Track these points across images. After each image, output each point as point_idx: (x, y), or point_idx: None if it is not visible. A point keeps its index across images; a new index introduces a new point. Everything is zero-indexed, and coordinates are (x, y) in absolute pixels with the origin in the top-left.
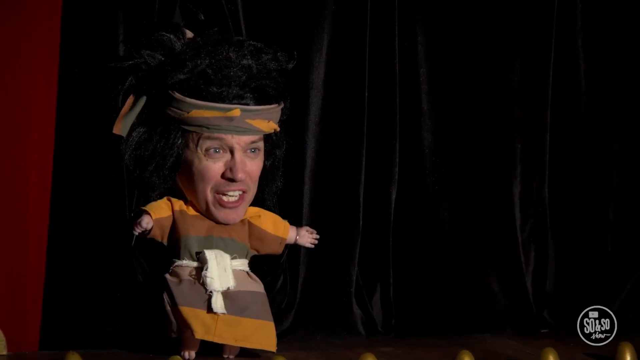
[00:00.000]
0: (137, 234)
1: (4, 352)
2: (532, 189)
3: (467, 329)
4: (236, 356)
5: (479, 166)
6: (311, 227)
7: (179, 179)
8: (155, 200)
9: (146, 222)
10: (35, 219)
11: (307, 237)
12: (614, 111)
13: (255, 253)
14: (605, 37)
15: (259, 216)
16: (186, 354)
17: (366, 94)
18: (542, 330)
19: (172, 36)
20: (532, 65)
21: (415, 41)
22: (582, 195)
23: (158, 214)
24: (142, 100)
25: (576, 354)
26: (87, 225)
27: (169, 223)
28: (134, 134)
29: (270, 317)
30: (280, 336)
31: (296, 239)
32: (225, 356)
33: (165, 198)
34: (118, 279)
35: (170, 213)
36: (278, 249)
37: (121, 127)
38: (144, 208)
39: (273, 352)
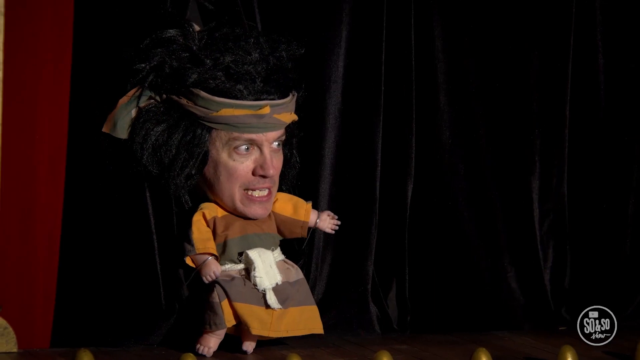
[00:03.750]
0: (209, 281)
1: (15, 349)
2: (551, 185)
3: (484, 326)
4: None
5: (497, 161)
6: None
7: (203, 178)
8: (188, 204)
9: (218, 269)
10: (47, 216)
11: (327, 222)
12: (634, 106)
13: (281, 237)
14: (625, 31)
15: (277, 200)
16: (205, 349)
17: (382, 88)
18: (560, 328)
19: (185, 32)
20: (551, 59)
21: (432, 35)
22: (601, 191)
23: (212, 241)
24: (143, 99)
25: (594, 351)
26: (100, 222)
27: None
28: (151, 133)
29: (312, 300)
30: None
31: (316, 222)
32: (245, 349)
33: (199, 217)
34: (130, 277)
35: (210, 228)
36: (301, 232)
37: (110, 127)
38: (202, 252)
39: (321, 334)
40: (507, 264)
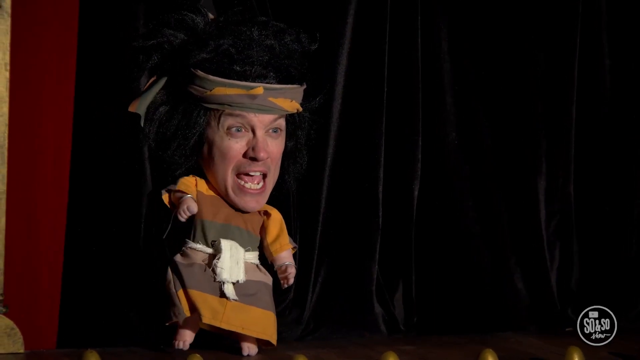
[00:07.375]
0: (184, 219)
1: (21, 350)
2: (557, 185)
3: (491, 327)
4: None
5: (503, 162)
6: (328, 223)
7: (200, 159)
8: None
9: (194, 207)
10: (52, 216)
11: (283, 275)
12: None
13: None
14: (631, 32)
15: (270, 215)
16: (180, 344)
17: (385, 89)
18: (567, 329)
19: (194, 15)
20: (557, 60)
21: (439, 35)
22: (607, 192)
23: (194, 190)
24: (162, 81)
25: (601, 352)
26: (105, 221)
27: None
28: (156, 113)
29: (274, 309)
30: (301, 335)
31: (282, 265)
32: (245, 354)
33: (190, 175)
34: (135, 277)
35: (196, 191)
36: (269, 257)
37: (137, 105)
38: (178, 189)
39: (274, 345)
40: (513, 265)
